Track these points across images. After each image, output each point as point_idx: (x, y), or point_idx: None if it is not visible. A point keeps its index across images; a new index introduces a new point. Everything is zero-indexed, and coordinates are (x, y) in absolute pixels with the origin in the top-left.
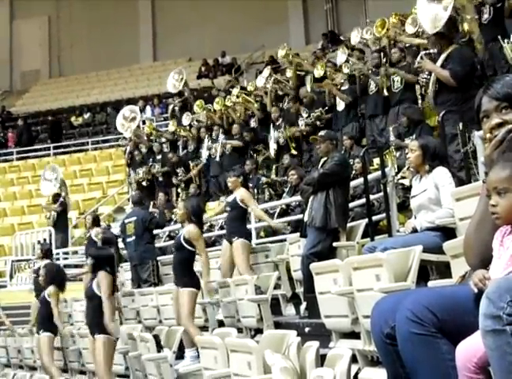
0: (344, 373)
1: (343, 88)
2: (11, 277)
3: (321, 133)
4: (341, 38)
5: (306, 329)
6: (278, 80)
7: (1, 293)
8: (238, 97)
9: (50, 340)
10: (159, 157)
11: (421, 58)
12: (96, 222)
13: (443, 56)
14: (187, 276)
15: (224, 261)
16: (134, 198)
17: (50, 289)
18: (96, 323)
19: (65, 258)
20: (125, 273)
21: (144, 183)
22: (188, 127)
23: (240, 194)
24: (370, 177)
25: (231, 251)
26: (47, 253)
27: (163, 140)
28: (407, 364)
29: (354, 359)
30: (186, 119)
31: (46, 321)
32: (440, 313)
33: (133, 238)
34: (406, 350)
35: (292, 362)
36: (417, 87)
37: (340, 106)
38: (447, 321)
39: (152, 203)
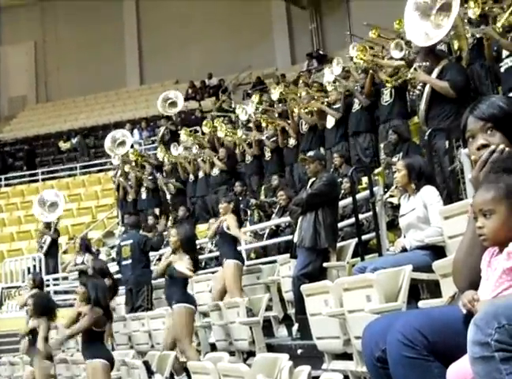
0: None
1: (335, 106)
2: (1, 304)
3: (310, 153)
4: (327, 57)
5: (299, 351)
6: (266, 109)
7: None
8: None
9: (46, 368)
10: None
11: (415, 69)
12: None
13: (437, 69)
14: (181, 294)
15: (216, 284)
16: (130, 221)
17: (40, 321)
18: (87, 348)
19: (56, 284)
20: (117, 298)
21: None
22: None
23: (228, 221)
24: (358, 196)
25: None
26: (40, 284)
27: (148, 168)
28: None
29: None
30: (174, 149)
31: (32, 351)
32: (431, 335)
33: (130, 261)
34: (397, 374)
35: None
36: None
37: (330, 123)
38: (438, 343)
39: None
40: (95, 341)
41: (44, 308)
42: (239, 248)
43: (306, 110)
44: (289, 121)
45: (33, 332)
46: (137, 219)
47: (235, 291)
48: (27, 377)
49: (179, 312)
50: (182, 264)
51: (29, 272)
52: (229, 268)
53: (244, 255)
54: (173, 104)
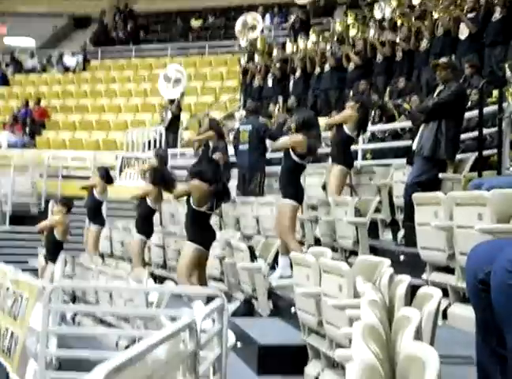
0: (432, 315)
1: (470, 16)
2: (120, 171)
3: (444, 59)
4: None
5: (401, 258)
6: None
7: (109, 186)
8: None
9: (142, 243)
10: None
11: None
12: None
13: None
14: (291, 186)
15: (329, 181)
16: (251, 107)
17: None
18: (188, 229)
19: (173, 159)
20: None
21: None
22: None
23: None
24: (486, 110)
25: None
26: (164, 159)
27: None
28: (498, 314)
29: (445, 294)
30: (301, 41)
31: (140, 224)
32: None
33: (246, 146)
34: (499, 300)
35: (382, 294)
36: None
37: (463, 34)
38: None
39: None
40: (197, 223)
41: (162, 179)
42: (354, 147)
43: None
44: (426, 23)
45: (144, 199)
46: (257, 106)
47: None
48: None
49: (286, 207)
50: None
51: (150, 144)
52: (335, 174)
53: (360, 155)
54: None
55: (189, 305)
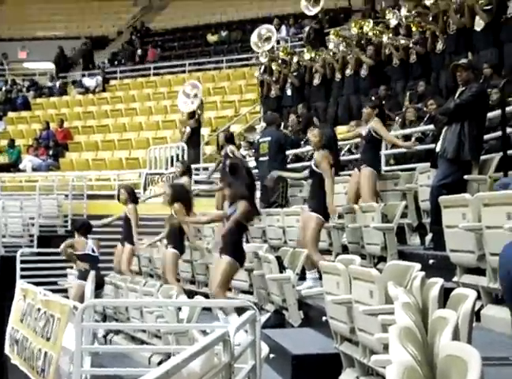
0: (468, 315)
1: (486, 8)
2: (144, 189)
3: (464, 60)
4: None
5: (431, 261)
6: (419, 12)
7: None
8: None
9: (176, 257)
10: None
11: None
12: (230, 139)
13: None
14: (317, 200)
15: (350, 187)
16: (268, 118)
17: (176, 206)
18: (225, 244)
19: (196, 174)
20: None
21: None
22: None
23: (373, 126)
24: (508, 109)
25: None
26: (187, 170)
27: (294, 64)
28: None
29: (477, 295)
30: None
31: (173, 237)
32: None
33: (267, 158)
34: None
35: (415, 298)
36: None
37: (479, 26)
38: None
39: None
40: (234, 238)
41: (181, 197)
42: (380, 152)
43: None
44: (439, 24)
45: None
46: (276, 117)
47: (368, 198)
48: (163, 258)
49: (312, 218)
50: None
51: (172, 161)
52: (365, 175)
53: (383, 160)
54: (316, 2)
55: (219, 319)
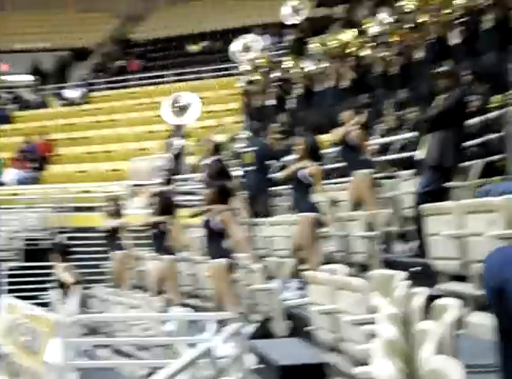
0: (451, 327)
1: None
2: (128, 201)
3: (444, 68)
4: None
5: (415, 269)
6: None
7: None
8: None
9: (175, 265)
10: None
11: None
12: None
13: None
14: (305, 201)
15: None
16: (252, 128)
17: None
18: (217, 248)
19: (178, 185)
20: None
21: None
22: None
23: (354, 132)
24: (489, 115)
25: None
26: (169, 181)
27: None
28: None
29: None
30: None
31: (158, 244)
32: None
33: (252, 167)
34: None
35: (399, 308)
36: None
37: (454, 40)
38: None
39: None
40: (219, 240)
41: (169, 207)
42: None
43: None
44: (419, 33)
45: (158, 226)
46: (260, 126)
47: (374, 203)
48: (153, 270)
49: (305, 220)
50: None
51: (156, 171)
52: (363, 180)
53: None
54: (297, 12)
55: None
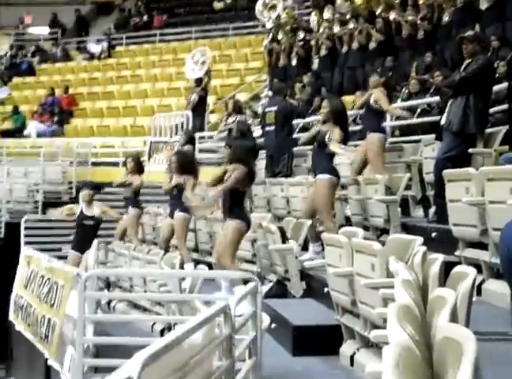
0: (467, 295)
1: None
2: (149, 157)
3: (470, 32)
4: None
5: (433, 234)
6: None
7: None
8: None
9: (184, 221)
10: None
11: None
12: (239, 108)
13: None
14: (325, 161)
15: (356, 157)
16: (275, 88)
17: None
18: (227, 209)
19: (201, 142)
20: (257, 163)
21: None
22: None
23: (375, 95)
24: None
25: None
26: (191, 140)
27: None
28: None
29: (478, 269)
30: (327, 13)
31: (180, 203)
32: None
33: (273, 127)
34: None
35: (416, 273)
36: None
37: (484, 4)
38: None
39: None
40: (236, 202)
41: (188, 166)
42: (384, 123)
43: None
44: None
45: (177, 188)
46: (283, 86)
47: (379, 165)
48: (165, 227)
49: (323, 182)
50: (334, 136)
51: (177, 129)
52: (373, 143)
53: (388, 132)
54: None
55: (221, 288)
